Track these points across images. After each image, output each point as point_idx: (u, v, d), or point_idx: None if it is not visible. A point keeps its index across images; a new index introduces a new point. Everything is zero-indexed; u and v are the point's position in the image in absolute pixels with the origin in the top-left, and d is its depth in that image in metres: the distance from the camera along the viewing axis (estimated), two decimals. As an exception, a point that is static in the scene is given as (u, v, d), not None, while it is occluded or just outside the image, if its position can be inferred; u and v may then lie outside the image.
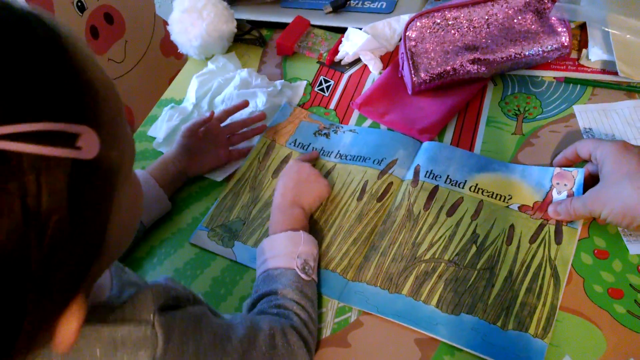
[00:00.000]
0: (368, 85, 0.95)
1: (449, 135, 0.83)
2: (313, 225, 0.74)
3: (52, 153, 0.29)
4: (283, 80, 0.98)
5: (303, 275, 0.64)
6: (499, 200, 0.72)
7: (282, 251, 0.66)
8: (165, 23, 1.08)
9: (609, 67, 0.85)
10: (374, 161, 0.80)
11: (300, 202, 0.73)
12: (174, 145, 0.83)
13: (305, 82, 0.98)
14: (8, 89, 0.29)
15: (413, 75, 0.86)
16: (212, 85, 0.99)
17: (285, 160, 0.85)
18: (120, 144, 0.37)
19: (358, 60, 1.00)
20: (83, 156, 0.31)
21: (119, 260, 0.50)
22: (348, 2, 1.09)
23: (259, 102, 0.93)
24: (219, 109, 0.94)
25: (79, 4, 1.22)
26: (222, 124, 0.87)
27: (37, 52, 0.31)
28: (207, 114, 0.85)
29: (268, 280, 0.64)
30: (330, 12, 1.08)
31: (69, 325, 0.34)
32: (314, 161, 0.83)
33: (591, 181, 0.68)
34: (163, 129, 0.94)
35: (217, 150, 0.85)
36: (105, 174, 0.35)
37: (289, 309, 0.61)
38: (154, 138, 0.94)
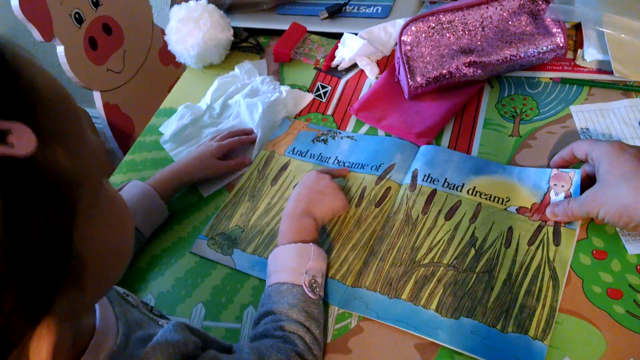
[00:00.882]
0: (365, 90, 0.96)
1: (446, 139, 0.84)
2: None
3: None
4: (289, 87, 0.97)
5: (310, 294, 0.63)
6: (497, 202, 0.72)
7: (290, 265, 0.65)
8: (163, 32, 1.08)
9: (604, 67, 0.85)
10: (371, 167, 0.80)
11: (313, 212, 0.71)
12: (185, 159, 0.85)
13: (312, 96, 0.98)
14: None
15: (409, 80, 0.87)
16: (228, 89, 1.00)
17: (284, 167, 0.85)
18: (77, 153, 0.34)
19: (355, 66, 1.01)
20: (14, 152, 0.28)
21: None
22: (344, 8, 1.09)
23: (255, 117, 0.93)
24: (229, 112, 0.97)
25: (77, 16, 1.23)
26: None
27: None
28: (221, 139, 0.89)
29: (274, 296, 0.63)
30: (326, 18, 1.09)
31: (38, 351, 0.32)
32: (337, 176, 0.80)
33: (588, 182, 0.68)
34: (172, 126, 0.96)
35: (215, 163, 0.85)
36: (57, 182, 0.32)
37: (293, 333, 0.59)
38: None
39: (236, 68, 1.04)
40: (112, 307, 0.48)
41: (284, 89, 0.96)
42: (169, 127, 0.96)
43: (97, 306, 0.46)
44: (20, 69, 0.32)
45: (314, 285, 0.64)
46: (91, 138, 0.38)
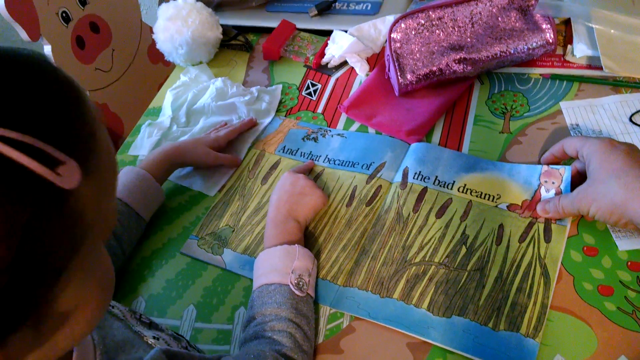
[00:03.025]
0: (355, 87, 0.95)
1: (436, 136, 0.83)
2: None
3: (30, 165, 0.28)
4: (259, 86, 0.98)
5: (297, 292, 0.63)
6: (488, 200, 0.72)
7: (277, 266, 0.65)
8: (152, 30, 1.07)
9: (594, 63, 0.85)
10: (362, 166, 0.80)
11: (296, 215, 0.72)
12: (178, 142, 0.85)
13: (280, 86, 0.99)
14: (21, 101, 0.30)
15: (399, 77, 0.86)
16: (187, 97, 0.99)
17: (274, 166, 0.84)
18: (102, 200, 0.35)
19: (345, 63, 1.00)
20: (59, 182, 0.29)
21: None
22: (333, 5, 1.09)
23: (241, 113, 0.94)
24: (199, 125, 0.95)
25: (64, 14, 1.22)
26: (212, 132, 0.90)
27: (56, 83, 0.33)
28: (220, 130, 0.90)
29: (263, 297, 0.63)
30: (315, 15, 1.08)
31: None
32: (308, 171, 0.82)
33: (579, 178, 0.68)
34: (145, 146, 0.94)
35: (207, 151, 0.85)
36: (73, 220, 0.32)
37: (283, 331, 0.59)
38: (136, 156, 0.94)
39: (181, 75, 1.04)
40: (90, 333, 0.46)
41: (254, 89, 0.97)
42: (141, 148, 0.95)
43: None
44: (90, 113, 0.34)
45: (301, 283, 0.64)
46: (115, 198, 0.38)
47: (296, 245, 0.67)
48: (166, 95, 1.01)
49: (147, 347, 0.50)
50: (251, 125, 0.92)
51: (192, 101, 0.99)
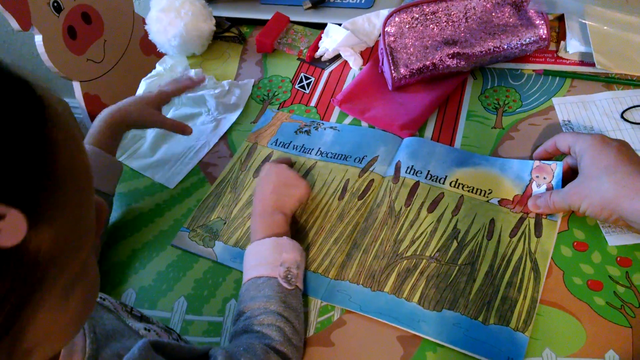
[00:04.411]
0: (349, 81, 0.95)
1: (429, 131, 0.83)
2: (293, 226, 0.74)
3: None
4: (230, 80, 0.99)
5: (286, 285, 0.63)
6: (479, 195, 0.72)
7: (265, 259, 0.65)
8: (144, 21, 1.07)
9: (587, 59, 0.85)
10: (355, 159, 0.80)
11: (282, 207, 0.71)
12: (118, 103, 0.81)
13: (252, 81, 1.00)
14: None
15: (393, 71, 0.86)
16: (159, 85, 0.98)
17: (266, 159, 0.84)
18: (68, 233, 0.31)
19: (338, 56, 1.00)
20: None
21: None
22: (327, -2, 1.08)
23: (210, 107, 0.94)
24: (169, 114, 0.96)
25: (55, 4, 1.21)
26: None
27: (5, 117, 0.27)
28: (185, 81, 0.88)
29: (251, 291, 0.63)
30: (309, 8, 1.08)
31: None
32: (289, 163, 0.81)
33: (571, 174, 0.69)
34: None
35: (150, 111, 0.83)
36: (29, 264, 0.28)
37: (272, 324, 0.59)
38: None
39: (157, 65, 1.03)
40: None
41: (226, 82, 0.97)
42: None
43: None
44: (57, 146, 0.29)
45: (290, 276, 0.64)
46: (92, 206, 0.34)
47: (284, 237, 0.67)
48: (140, 84, 1.01)
49: (138, 337, 0.50)
50: (199, 82, 0.91)
51: None
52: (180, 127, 0.85)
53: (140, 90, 1.00)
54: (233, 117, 0.93)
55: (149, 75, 1.02)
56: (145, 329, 0.53)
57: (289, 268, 0.65)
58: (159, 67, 1.02)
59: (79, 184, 0.32)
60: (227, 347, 0.56)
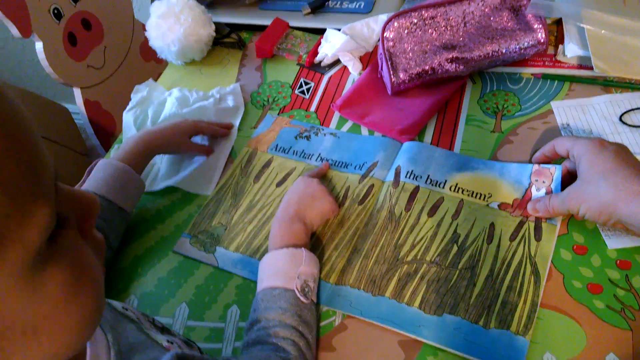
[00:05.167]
0: (348, 86, 0.95)
1: (429, 135, 0.84)
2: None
3: None
4: (219, 87, 1.00)
5: (302, 298, 0.62)
6: (479, 199, 0.72)
7: (281, 269, 0.64)
8: (144, 28, 1.07)
9: (585, 63, 0.86)
10: (355, 167, 0.80)
11: (303, 216, 0.70)
12: (156, 129, 0.83)
13: (239, 84, 1.01)
14: None
15: (392, 76, 0.87)
16: (147, 114, 0.98)
17: (266, 165, 0.85)
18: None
19: (338, 62, 1.00)
20: None
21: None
22: (326, 3, 1.09)
23: (210, 116, 0.94)
24: None
25: (56, 11, 1.21)
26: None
27: None
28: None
29: (266, 301, 0.62)
30: (308, 14, 1.08)
31: None
32: (323, 176, 0.80)
33: (569, 177, 0.69)
34: None
35: (185, 140, 0.86)
36: None
37: (287, 338, 0.59)
38: None
39: (132, 96, 1.02)
40: (104, 334, 0.45)
41: (214, 91, 0.98)
42: None
43: None
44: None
45: (306, 289, 0.63)
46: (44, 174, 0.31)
47: (302, 249, 0.66)
48: (124, 117, 0.99)
49: (162, 349, 0.49)
50: (229, 129, 0.92)
51: (154, 116, 0.97)
52: (204, 150, 0.88)
53: (127, 124, 0.98)
54: (236, 121, 0.94)
55: (128, 107, 1.00)
56: (168, 341, 0.53)
57: (306, 281, 0.64)
58: (135, 97, 1.01)
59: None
60: (242, 358, 0.56)
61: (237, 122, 0.94)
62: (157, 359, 0.45)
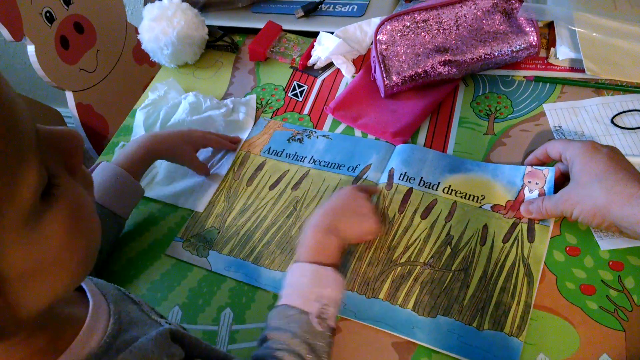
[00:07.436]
0: (341, 89, 0.95)
1: (422, 138, 0.84)
2: (287, 232, 0.74)
3: None
4: (233, 97, 0.98)
5: (316, 325, 0.57)
6: (472, 200, 0.72)
7: (304, 287, 0.60)
8: (137, 31, 1.07)
9: (576, 65, 0.86)
10: (348, 168, 0.80)
11: (339, 230, 0.64)
12: (160, 135, 0.82)
13: (254, 96, 0.98)
14: None
15: (385, 79, 0.87)
16: (159, 115, 0.96)
17: (259, 168, 0.84)
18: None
19: (331, 65, 1.01)
20: None
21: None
22: (319, 6, 1.09)
23: (219, 127, 0.93)
24: None
25: (48, 14, 1.21)
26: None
27: None
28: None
29: (279, 319, 0.58)
30: (302, 17, 1.08)
31: None
32: (371, 195, 0.74)
33: (562, 179, 0.69)
34: None
35: (188, 152, 0.83)
36: None
37: None
38: None
39: (150, 93, 1.00)
40: (107, 303, 0.46)
41: (229, 101, 0.96)
42: None
43: (90, 301, 0.45)
44: None
45: (325, 315, 0.58)
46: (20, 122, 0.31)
47: (330, 269, 0.61)
48: (137, 115, 0.98)
49: (160, 327, 0.49)
50: (236, 142, 0.90)
51: (165, 118, 0.95)
52: (203, 170, 0.85)
53: (139, 121, 0.96)
54: (244, 135, 0.92)
55: (143, 104, 0.98)
56: (167, 322, 0.52)
57: (326, 306, 0.58)
58: (152, 95, 1.00)
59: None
60: None
61: (244, 137, 0.91)
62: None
